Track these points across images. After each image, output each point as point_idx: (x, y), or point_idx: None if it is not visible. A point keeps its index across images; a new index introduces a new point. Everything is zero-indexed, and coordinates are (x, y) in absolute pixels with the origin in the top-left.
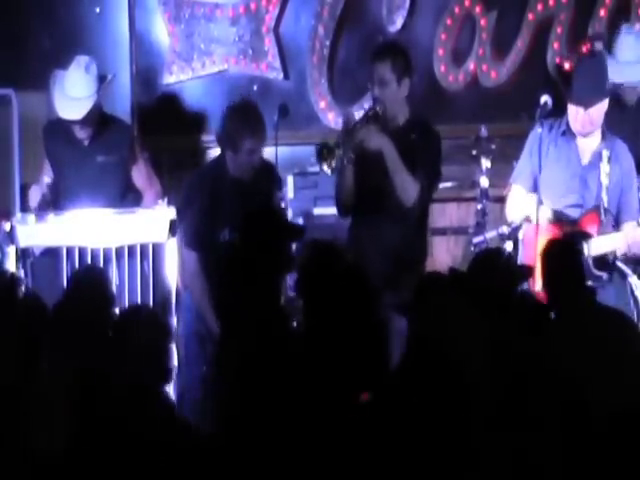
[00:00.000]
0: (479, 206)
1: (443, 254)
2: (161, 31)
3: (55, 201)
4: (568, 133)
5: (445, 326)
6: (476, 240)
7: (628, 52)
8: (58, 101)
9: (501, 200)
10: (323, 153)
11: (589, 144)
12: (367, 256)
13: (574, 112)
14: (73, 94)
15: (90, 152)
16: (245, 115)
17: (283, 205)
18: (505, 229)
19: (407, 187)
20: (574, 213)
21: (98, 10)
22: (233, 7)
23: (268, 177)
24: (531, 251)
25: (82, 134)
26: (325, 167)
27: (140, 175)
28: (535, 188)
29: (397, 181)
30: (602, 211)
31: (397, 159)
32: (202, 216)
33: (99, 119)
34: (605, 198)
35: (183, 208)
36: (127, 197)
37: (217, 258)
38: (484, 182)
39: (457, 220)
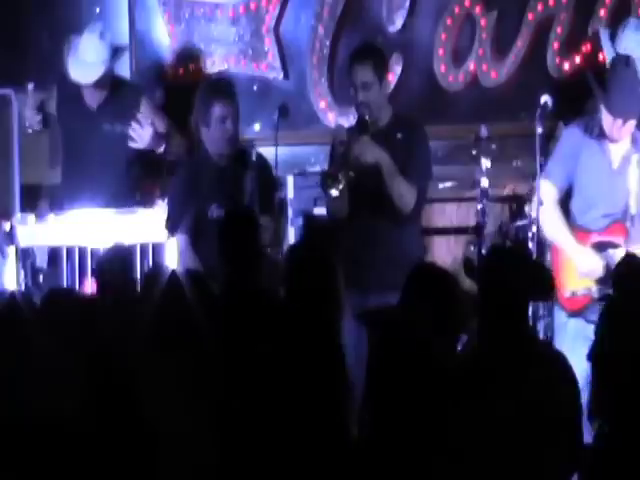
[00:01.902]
0: (479, 206)
1: (443, 254)
2: (161, 31)
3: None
4: (601, 136)
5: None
6: (476, 240)
7: (629, 43)
8: (71, 65)
9: (501, 200)
10: (328, 182)
11: (619, 148)
12: (362, 259)
13: (611, 121)
14: (86, 58)
15: (98, 119)
16: (213, 85)
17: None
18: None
19: (404, 194)
20: (602, 220)
21: (98, 10)
22: (233, 7)
23: (253, 161)
24: (558, 258)
25: (92, 100)
26: (334, 192)
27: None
28: (566, 187)
29: (395, 189)
30: (629, 219)
31: (392, 167)
32: (183, 205)
33: (111, 86)
34: (633, 205)
35: (169, 200)
36: (132, 172)
37: (209, 235)
38: (484, 182)
39: (457, 220)
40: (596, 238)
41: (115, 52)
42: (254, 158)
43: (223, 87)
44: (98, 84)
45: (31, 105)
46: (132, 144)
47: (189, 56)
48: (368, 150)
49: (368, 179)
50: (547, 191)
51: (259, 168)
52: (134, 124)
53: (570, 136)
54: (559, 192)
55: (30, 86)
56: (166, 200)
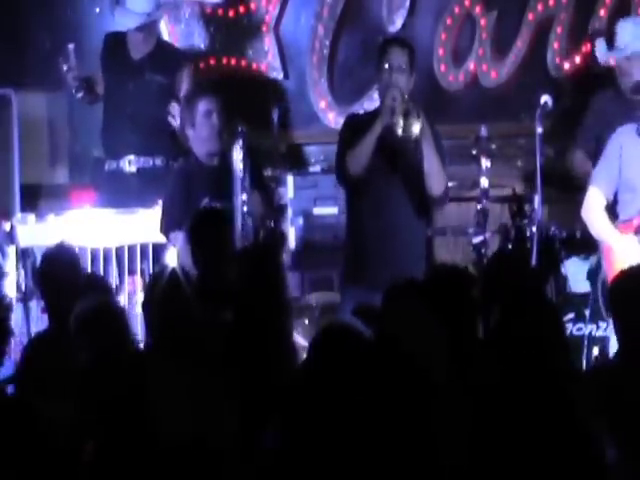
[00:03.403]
0: (479, 206)
1: (443, 254)
2: (161, 31)
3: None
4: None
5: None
6: (476, 240)
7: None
8: (117, 13)
9: (501, 200)
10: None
11: None
12: (377, 256)
13: None
14: (132, 8)
15: (140, 69)
16: (196, 86)
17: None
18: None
19: (440, 174)
20: None
21: (98, 10)
22: (233, 7)
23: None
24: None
25: (137, 51)
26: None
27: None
28: (613, 191)
29: (433, 167)
30: None
31: (433, 145)
32: (176, 207)
33: (157, 43)
34: None
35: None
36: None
37: None
38: (484, 182)
39: (457, 220)
40: (637, 221)
41: (160, 6)
42: (240, 138)
43: (205, 85)
44: (143, 31)
45: (74, 65)
46: (171, 121)
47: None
48: (416, 120)
49: (400, 161)
50: (594, 197)
51: (245, 147)
52: (174, 103)
53: (614, 137)
54: (606, 198)
55: (71, 47)
56: (161, 204)
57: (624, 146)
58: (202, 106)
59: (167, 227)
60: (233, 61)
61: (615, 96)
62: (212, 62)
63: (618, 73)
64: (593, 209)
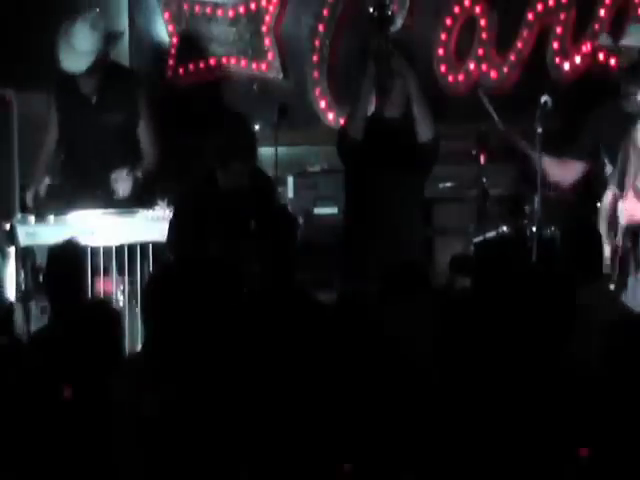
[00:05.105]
0: (479, 206)
1: (443, 254)
2: (161, 31)
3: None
4: None
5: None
6: (476, 240)
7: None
8: (63, 53)
9: (501, 200)
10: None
11: None
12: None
13: None
14: (77, 47)
15: (97, 111)
16: (237, 135)
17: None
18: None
19: (427, 118)
20: None
21: (98, 10)
22: (233, 7)
23: (262, 188)
24: None
25: (87, 88)
26: None
27: (143, 134)
28: None
29: (420, 110)
30: None
31: (420, 88)
32: (180, 230)
33: (105, 74)
34: None
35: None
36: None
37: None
38: (484, 182)
39: (457, 220)
40: None
41: (110, 38)
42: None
43: (243, 139)
44: (89, 72)
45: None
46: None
47: (189, 56)
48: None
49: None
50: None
51: (260, 186)
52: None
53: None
54: None
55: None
56: (172, 222)
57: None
58: (235, 166)
59: (172, 251)
60: (233, 61)
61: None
62: (212, 62)
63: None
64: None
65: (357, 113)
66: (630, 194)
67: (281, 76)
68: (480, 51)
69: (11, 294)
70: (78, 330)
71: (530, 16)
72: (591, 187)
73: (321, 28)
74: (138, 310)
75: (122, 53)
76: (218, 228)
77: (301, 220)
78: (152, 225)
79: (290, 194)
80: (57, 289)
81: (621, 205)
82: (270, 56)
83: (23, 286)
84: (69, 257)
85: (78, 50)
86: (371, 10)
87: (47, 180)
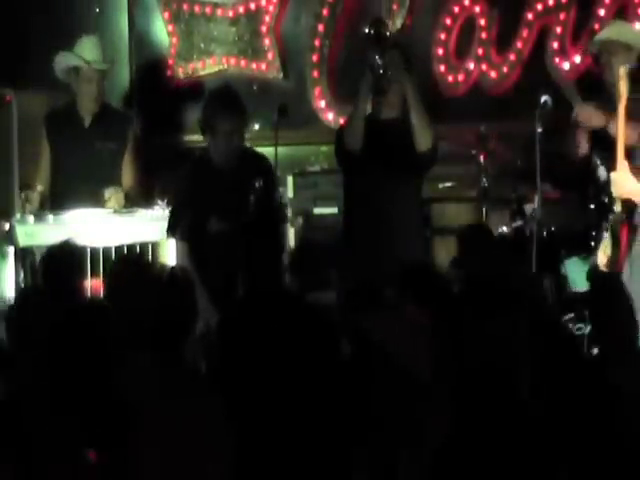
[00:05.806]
0: (479, 206)
1: (443, 254)
2: (161, 31)
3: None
4: None
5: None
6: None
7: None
8: (72, 59)
9: (501, 200)
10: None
11: None
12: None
13: None
14: (86, 56)
15: (90, 136)
16: (221, 98)
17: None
18: None
19: (426, 127)
20: None
21: (98, 10)
22: (233, 7)
23: (257, 168)
24: None
25: (85, 113)
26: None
27: (126, 169)
28: None
29: (418, 119)
30: None
31: (418, 96)
32: (184, 207)
33: (103, 106)
34: None
35: (172, 200)
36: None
37: (206, 247)
38: (484, 182)
39: (457, 220)
40: None
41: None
42: (259, 162)
43: (230, 101)
44: (94, 80)
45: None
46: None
47: (189, 56)
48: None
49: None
50: None
51: (264, 173)
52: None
53: None
54: None
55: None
56: (168, 200)
57: None
58: (224, 126)
59: (173, 225)
60: (233, 61)
61: None
62: (212, 62)
63: None
64: None
65: (353, 121)
66: None
67: (281, 76)
68: (480, 51)
69: (10, 294)
70: (76, 330)
71: (530, 16)
72: None
73: (321, 28)
74: None
75: (122, 53)
76: (217, 205)
77: (301, 220)
78: (151, 225)
79: (290, 194)
80: (55, 289)
81: None
82: (270, 56)
83: (22, 286)
84: (67, 257)
85: (87, 58)
86: (367, 30)
87: (40, 187)
